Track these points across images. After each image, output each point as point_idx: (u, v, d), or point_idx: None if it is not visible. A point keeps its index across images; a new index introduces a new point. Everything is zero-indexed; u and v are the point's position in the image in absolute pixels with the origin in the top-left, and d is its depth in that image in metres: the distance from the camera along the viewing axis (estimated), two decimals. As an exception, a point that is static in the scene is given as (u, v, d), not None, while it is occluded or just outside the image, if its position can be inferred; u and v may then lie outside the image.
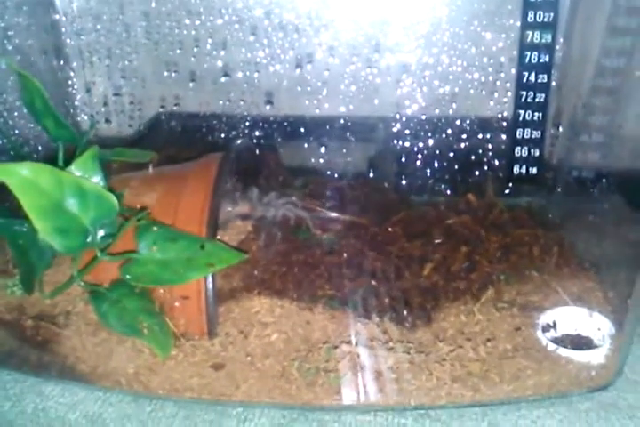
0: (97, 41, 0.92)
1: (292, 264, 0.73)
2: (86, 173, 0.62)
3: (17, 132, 0.83)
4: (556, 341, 0.63)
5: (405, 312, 0.67)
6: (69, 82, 0.94)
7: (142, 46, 0.93)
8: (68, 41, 0.92)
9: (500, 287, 0.70)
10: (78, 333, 0.62)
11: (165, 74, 0.93)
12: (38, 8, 0.90)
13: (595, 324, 0.65)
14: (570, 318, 0.66)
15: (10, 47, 0.83)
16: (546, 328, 0.65)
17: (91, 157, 0.63)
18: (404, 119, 0.90)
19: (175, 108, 0.95)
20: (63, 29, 0.91)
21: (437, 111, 0.91)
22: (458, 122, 0.91)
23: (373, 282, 0.72)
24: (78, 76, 0.94)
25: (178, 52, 0.92)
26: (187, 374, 0.59)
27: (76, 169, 0.62)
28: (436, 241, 0.80)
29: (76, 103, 0.96)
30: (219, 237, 0.73)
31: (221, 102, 0.93)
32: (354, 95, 0.91)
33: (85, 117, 0.96)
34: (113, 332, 0.60)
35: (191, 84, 0.93)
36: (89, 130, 0.72)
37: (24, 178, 0.56)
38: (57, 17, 0.90)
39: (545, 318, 0.66)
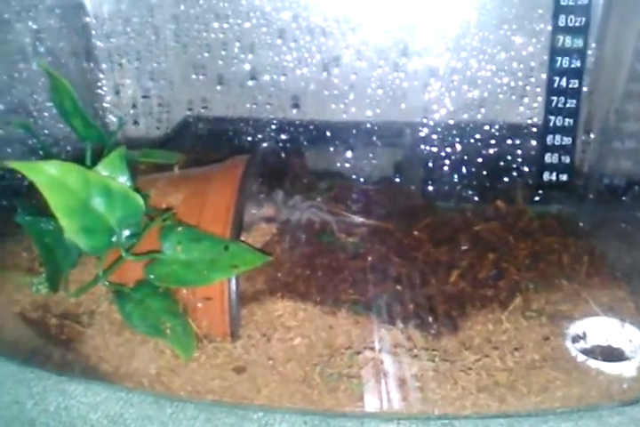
0: (126, 43, 0.93)
1: (316, 268, 0.72)
2: (113, 172, 0.62)
3: (47, 132, 0.84)
4: (585, 352, 0.61)
5: (431, 319, 0.66)
6: (99, 84, 0.95)
7: (171, 49, 0.93)
8: (98, 43, 0.93)
9: (529, 296, 0.68)
10: (102, 332, 0.62)
11: (193, 77, 0.93)
12: (70, 11, 0.91)
13: (626, 335, 0.63)
14: (600, 328, 0.64)
15: (42, 49, 0.84)
16: (575, 339, 0.63)
17: (118, 157, 0.63)
18: (431, 124, 0.89)
19: (203, 110, 0.96)
20: (93, 32, 0.92)
21: (466, 116, 0.90)
22: (487, 127, 0.89)
23: (398, 287, 0.71)
24: (107, 79, 0.95)
25: (206, 55, 0.92)
26: (208, 376, 0.59)
27: (103, 169, 0.62)
28: (463, 248, 0.79)
29: (105, 105, 0.97)
30: (243, 238, 0.73)
31: (248, 106, 0.94)
32: (381, 99, 0.90)
33: (114, 119, 0.97)
34: (136, 332, 0.60)
35: (219, 88, 0.93)
36: (117, 130, 0.72)
37: (52, 177, 0.56)
38: (87, 20, 0.91)
39: (575, 328, 0.64)
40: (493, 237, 0.81)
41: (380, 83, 0.89)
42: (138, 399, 0.59)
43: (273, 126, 0.93)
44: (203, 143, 1.00)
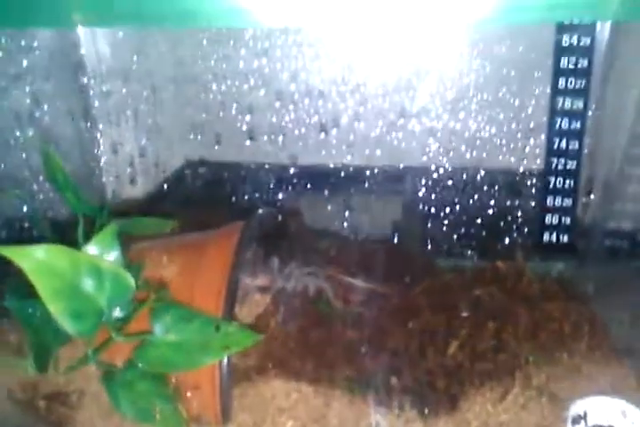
0: (124, 102, 0.93)
1: (311, 341, 0.71)
2: (104, 250, 0.61)
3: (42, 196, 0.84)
4: (586, 435, 0.59)
5: (428, 397, 0.64)
6: (96, 143, 0.95)
7: (169, 109, 0.94)
8: (96, 103, 0.93)
9: (529, 370, 0.67)
10: (90, 416, 0.61)
11: (191, 136, 0.93)
12: (68, 70, 0.91)
13: (629, 416, 0.61)
14: (602, 408, 0.62)
15: (37, 113, 0.85)
16: (576, 420, 0.61)
17: (109, 235, 0.62)
18: (429, 184, 0.89)
19: (201, 170, 0.95)
20: (91, 91, 0.93)
21: (464, 177, 0.89)
22: (485, 188, 0.89)
23: (395, 361, 0.70)
24: (105, 138, 0.95)
25: (204, 115, 0.92)
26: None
27: (94, 246, 0.61)
28: (463, 314, 0.77)
29: (102, 165, 0.97)
30: (237, 310, 0.71)
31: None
32: (379, 160, 0.90)
33: (111, 179, 0.97)
34: (124, 417, 0.59)
35: (216, 147, 0.93)
36: (107, 204, 0.72)
37: (40, 261, 0.55)
38: (86, 80, 0.92)
39: (575, 408, 0.62)
40: (493, 302, 0.80)
41: (378, 143, 0.89)
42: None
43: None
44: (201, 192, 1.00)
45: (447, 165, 0.88)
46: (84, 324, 0.57)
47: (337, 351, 0.70)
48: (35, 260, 0.55)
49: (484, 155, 0.87)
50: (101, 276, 0.59)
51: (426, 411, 0.62)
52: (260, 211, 0.77)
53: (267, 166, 0.95)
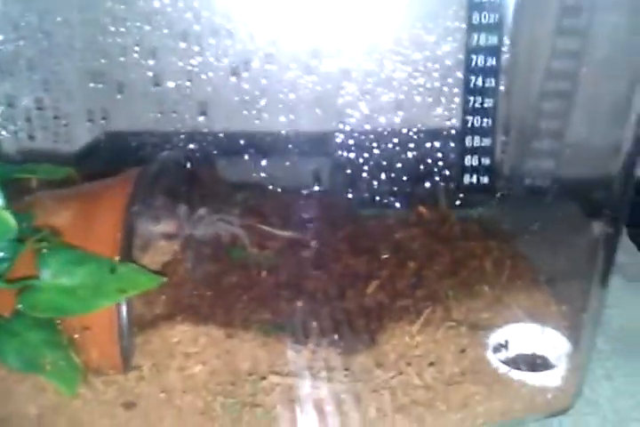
0: (15, 50, 0.86)
1: (223, 287, 0.67)
2: (-18, 190, 0.56)
3: None
4: (507, 362, 0.58)
5: (346, 336, 0.61)
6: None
7: (65, 56, 0.87)
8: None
9: (449, 304, 0.65)
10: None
11: (91, 85, 0.87)
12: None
13: (550, 342, 0.60)
14: (523, 336, 0.61)
15: None
16: (497, 348, 0.60)
17: (-13, 174, 0.56)
18: (347, 129, 0.85)
19: (103, 122, 0.89)
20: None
21: (383, 121, 0.86)
22: (404, 131, 0.86)
23: (312, 303, 0.67)
24: (-3, 90, 0.88)
25: (103, 61, 0.86)
26: (96, 414, 0.52)
27: (-32, 187, 0.55)
28: (383, 257, 0.75)
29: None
30: (138, 259, 0.67)
31: (152, 115, 0.87)
32: (294, 104, 0.86)
33: (7, 135, 0.89)
34: (10, 368, 0.53)
35: (119, 96, 0.87)
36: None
37: None
38: (-30, 26, 0.84)
39: (496, 337, 0.60)
40: (415, 244, 0.78)
41: (292, 87, 0.85)
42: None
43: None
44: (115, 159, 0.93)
45: (364, 108, 0.85)
46: (-45, 266, 0.52)
47: (251, 296, 0.66)
48: None
49: (401, 96, 0.84)
50: (-24, 215, 0.53)
51: (343, 348, 0.59)
52: (163, 153, 0.72)
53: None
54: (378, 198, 0.88)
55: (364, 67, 0.84)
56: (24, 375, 0.54)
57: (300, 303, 0.66)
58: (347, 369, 0.56)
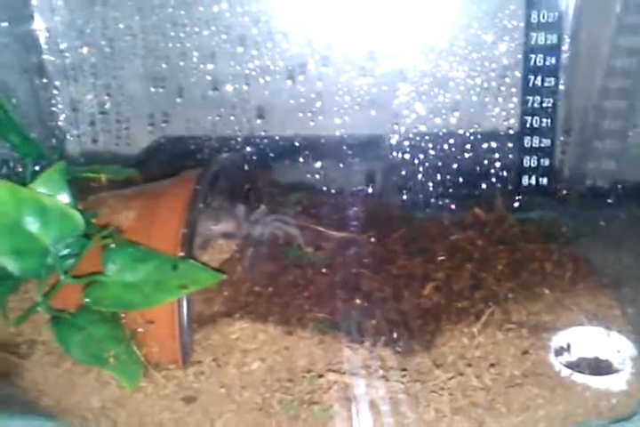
0: (81, 58, 0.89)
1: (280, 285, 0.67)
2: (52, 189, 0.58)
3: None
4: (570, 365, 0.56)
5: (403, 336, 0.61)
6: (53, 101, 0.91)
7: (128, 62, 0.89)
8: (51, 58, 0.89)
9: (508, 307, 0.63)
10: (40, 363, 0.57)
11: (152, 90, 0.89)
12: (18, 24, 0.87)
13: (613, 345, 0.58)
14: (586, 339, 0.59)
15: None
16: (559, 351, 0.58)
17: (57, 173, 0.59)
18: (402, 130, 0.85)
19: (163, 125, 0.91)
20: (45, 46, 0.88)
21: (439, 122, 0.85)
22: (461, 132, 0.85)
23: (368, 303, 0.66)
24: (62, 95, 0.91)
25: (164, 66, 0.88)
26: (156, 407, 0.53)
27: (40, 185, 0.57)
28: (439, 258, 0.74)
29: (61, 123, 0.92)
30: (198, 257, 0.68)
31: (210, 118, 0.89)
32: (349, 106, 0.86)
33: (71, 138, 0.92)
34: (75, 361, 0.55)
35: (179, 100, 0.89)
36: (59, 145, 0.68)
37: (-24, 195, 0.52)
38: (38, 33, 0.87)
39: (558, 339, 0.59)
40: (471, 246, 0.76)
41: (347, 89, 0.85)
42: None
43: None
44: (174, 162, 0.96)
45: (420, 110, 0.84)
46: (26, 262, 0.54)
47: (307, 295, 0.66)
48: (-30, 193, 0.51)
49: (459, 96, 0.84)
50: (46, 213, 0.55)
51: (400, 348, 0.58)
52: (222, 155, 0.74)
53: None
54: (433, 200, 0.87)
55: (420, 67, 0.84)
56: (88, 368, 0.56)
57: (355, 303, 0.66)
58: (404, 369, 0.56)
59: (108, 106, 0.90)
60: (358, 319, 0.64)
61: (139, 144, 0.93)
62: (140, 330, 0.55)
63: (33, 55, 0.88)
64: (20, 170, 0.67)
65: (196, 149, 0.90)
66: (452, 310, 0.64)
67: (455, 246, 0.76)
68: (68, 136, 0.91)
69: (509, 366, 0.55)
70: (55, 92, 0.90)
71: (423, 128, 0.85)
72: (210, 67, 0.86)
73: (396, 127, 0.84)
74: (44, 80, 0.89)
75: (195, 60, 0.86)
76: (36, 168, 0.65)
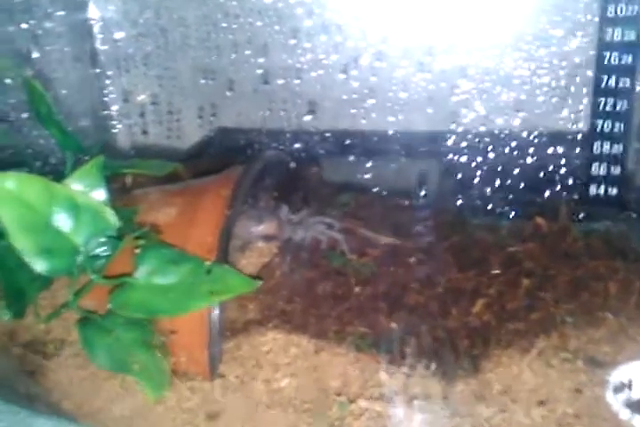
0: (134, 47, 0.87)
1: (319, 294, 0.63)
2: (88, 185, 0.56)
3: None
4: (630, 405, 0.50)
5: (446, 359, 0.56)
6: (105, 91, 0.90)
7: (180, 53, 0.87)
8: (104, 48, 0.88)
9: (565, 332, 0.58)
10: (65, 365, 0.56)
11: (202, 82, 0.87)
12: (72, 12, 0.86)
13: (684, 385, 0.52)
14: (651, 375, 0.53)
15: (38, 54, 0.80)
16: (619, 388, 0.52)
17: (94, 168, 0.57)
18: (460, 130, 0.80)
19: (212, 118, 0.89)
20: (99, 36, 0.87)
21: (500, 122, 0.80)
22: (524, 134, 0.79)
23: (412, 319, 0.62)
24: (115, 85, 0.90)
25: (215, 58, 0.85)
26: (178, 421, 0.51)
27: (76, 180, 0.56)
28: (493, 272, 0.69)
29: (114, 113, 0.91)
30: (239, 260, 0.65)
31: (261, 112, 0.86)
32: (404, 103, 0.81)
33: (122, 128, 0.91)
34: (100, 366, 0.53)
35: (229, 93, 0.86)
36: (101, 138, 0.66)
37: (8, 191, 0.50)
38: (92, 22, 0.86)
39: (618, 374, 0.53)
40: (530, 260, 0.71)
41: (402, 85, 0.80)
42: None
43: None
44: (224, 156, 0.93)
45: (480, 109, 0.79)
46: (55, 261, 0.52)
47: (347, 306, 0.63)
48: (3, 189, 0.50)
49: (523, 96, 0.77)
50: (78, 211, 0.54)
51: (442, 371, 0.54)
52: (267, 152, 0.70)
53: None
54: (490, 206, 0.82)
55: (482, 64, 0.78)
56: (112, 373, 0.54)
57: (398, 318, 0.62)
58: (445, 397, 0.51)
59: (159, 97, 0.89)
60: (399, 336, 0.60)
61: (189, 137, 0.91)
62: (164, 338, 0.53)
63: (86, 44, 0.87)
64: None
65: (247, 144, 0.88)
66: (503, 331, 0.59)
67: (512, 259, 0.71)
68: (119, 127, 0.90)
69: (561, 404, 0.50)
70: (107, 81, 0.89)
71: (483, 128, 0.79)
72: (261, 60, 0.83)
73: (453, 126, 0.79)
74: (97, 70, 0.88)
75: (246, 52, 0.83)
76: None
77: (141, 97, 0.88)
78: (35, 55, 0.80)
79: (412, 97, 0.80)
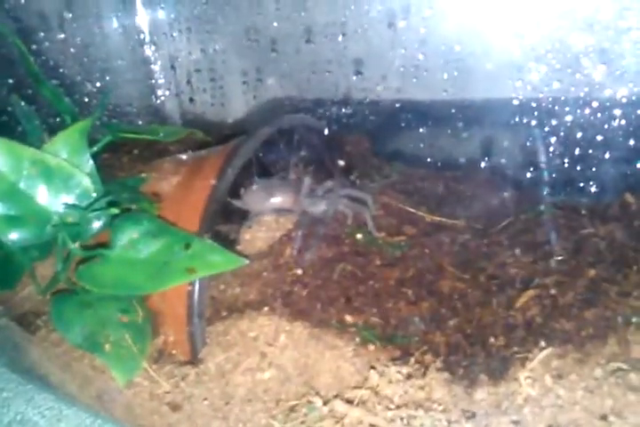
0: (175, 11, 0.83)
1: (332, 276, 0.55)
2: (70, 150, 0.52)
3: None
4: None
5: (470, 360, 0.46)
6: (152, 58, 0.86)
7: (221, 13, 0.81)
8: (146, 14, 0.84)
9: (627, 336, 0.45)
10: (44, 340, 0.52)
11: (245, 43, 0.80)
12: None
13: None
14: None
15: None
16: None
17: (77, 132, 0.52)
18: (529, 89, 0.67)
19: (257, 83, 0.82)
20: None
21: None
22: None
23: (442, 310, 0.52)
24: (161, 52, 0.86)
25: (258, 16, 0.78)
26: (146, 408, 0.45)
27: (57, 145, 0.52)
28: (556, 258, 0.57)
29: (161, 81, 0.88)
30: (248, 234, 0.58)
31: (305, 75, 0.78)
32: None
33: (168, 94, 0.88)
34: (70, 343, 0.49)
35: (273, 55, 0.79)
36: (103, 100, 0.62)
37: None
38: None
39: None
40: (606, 244, 0.58)
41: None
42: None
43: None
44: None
45: (544, 73, 0.65)
46: (23, 230, 0.48)
47: (363, 291, 0.54)
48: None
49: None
50: (51, 177, 0.49)
51: (461, 374, 0.44)
52: (286, 116, 0.62)
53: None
54: (568, 181, 0.69)
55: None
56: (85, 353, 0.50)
57: (423, 307, 0.52)
58: (454, 407, 0.41)
59: (202, 64, 0.83)
60: (419, 329, 0.50)
61: (233, 104, 0.85)
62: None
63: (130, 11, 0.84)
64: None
65: (291, 111, 0.80)
66: (548, 331, 0.48)
67: (584, 244, 0.58)
68: (166, 93, 0.86)
69: (596, 429, 0.38)
70: (153, 48, 0.85)
71: (557, 85, 0.66)
72: (302, 14, 0.75)
73: (519, 85, 0.66)
74: (142, 36, 0.85)
75: (287, 9, 0.75)
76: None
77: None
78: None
79: (467, 50, 0.68)
